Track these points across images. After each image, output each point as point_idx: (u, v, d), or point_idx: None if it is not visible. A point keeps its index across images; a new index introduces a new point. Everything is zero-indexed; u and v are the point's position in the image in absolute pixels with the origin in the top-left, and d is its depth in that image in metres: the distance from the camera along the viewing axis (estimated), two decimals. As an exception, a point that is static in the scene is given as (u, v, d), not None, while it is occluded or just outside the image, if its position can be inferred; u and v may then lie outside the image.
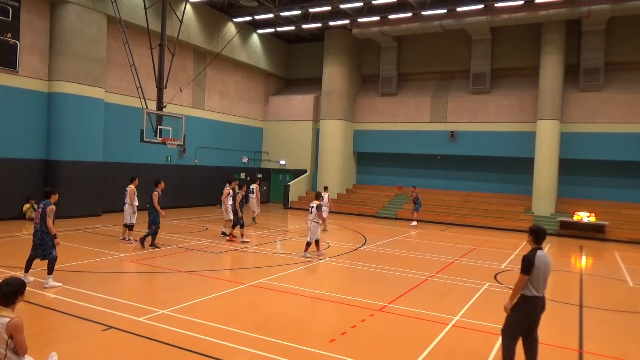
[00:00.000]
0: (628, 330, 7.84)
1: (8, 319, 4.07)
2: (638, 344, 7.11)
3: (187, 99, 23.58)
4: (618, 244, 18.50)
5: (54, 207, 8.50)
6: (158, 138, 17.55)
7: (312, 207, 12.36)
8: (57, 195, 8.72)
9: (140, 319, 6.95)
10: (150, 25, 18.06)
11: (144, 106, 17.45)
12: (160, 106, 18.04)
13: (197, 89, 24.38)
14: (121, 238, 13.44)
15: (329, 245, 14.62)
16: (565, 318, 8.34)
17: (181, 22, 19.37)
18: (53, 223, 8.45)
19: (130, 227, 13.33)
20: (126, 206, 13.25)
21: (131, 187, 13.31)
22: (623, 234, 19.40)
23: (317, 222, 12.39)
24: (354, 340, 6.62)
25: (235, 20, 24.90)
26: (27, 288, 4.38)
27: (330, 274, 11.22)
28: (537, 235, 5.44)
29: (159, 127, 17.58)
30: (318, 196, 13.15)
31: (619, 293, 10.58)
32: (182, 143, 18.78)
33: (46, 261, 8.48)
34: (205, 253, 12.39)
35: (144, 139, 17.05)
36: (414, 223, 21.35)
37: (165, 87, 18.30)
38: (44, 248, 8.46)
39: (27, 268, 8.62)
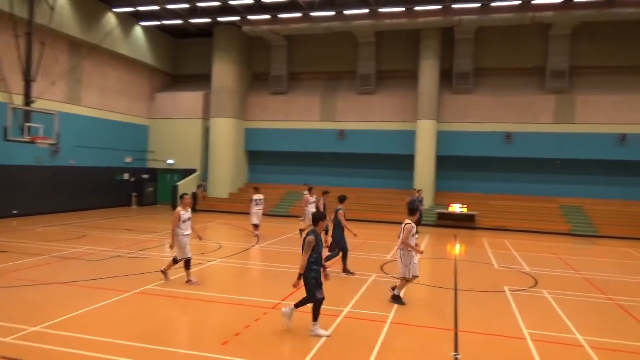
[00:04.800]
0: (497, 307, 8.77)
1: None
2: (506, 319, 7.99)
3: (60, 93, 21.47)
4: (485, 232, 20.64)
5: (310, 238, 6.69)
6: (26, 136, 15.89)
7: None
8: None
9: (7, 339, 6.23)
10: (16, 11, 16.18)
11: (9, 101, 15.67)
12: (28, 101, 16.35)
13: (73, 83, 22.34)
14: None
15: (220, 246, 14.35)
16: (442, 301, 9.10)
17: (52, 9, 17.69)
18: (307, 253, 6.63)
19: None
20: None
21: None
22: (490, 222, 21.72)
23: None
24: (248, 340, 6.59)
25: (115, 10, 23.23)
26: None
27: (221, 275, 11.01)
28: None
29: (26, 124, 15.92)
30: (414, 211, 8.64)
31: (486, 275, 11.82)
32: (54, 142, 17.19)
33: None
34: (83, 261, 11.44)
35: (9, 138, 15.35)
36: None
37: (35, 80, 16.61)
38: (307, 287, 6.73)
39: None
